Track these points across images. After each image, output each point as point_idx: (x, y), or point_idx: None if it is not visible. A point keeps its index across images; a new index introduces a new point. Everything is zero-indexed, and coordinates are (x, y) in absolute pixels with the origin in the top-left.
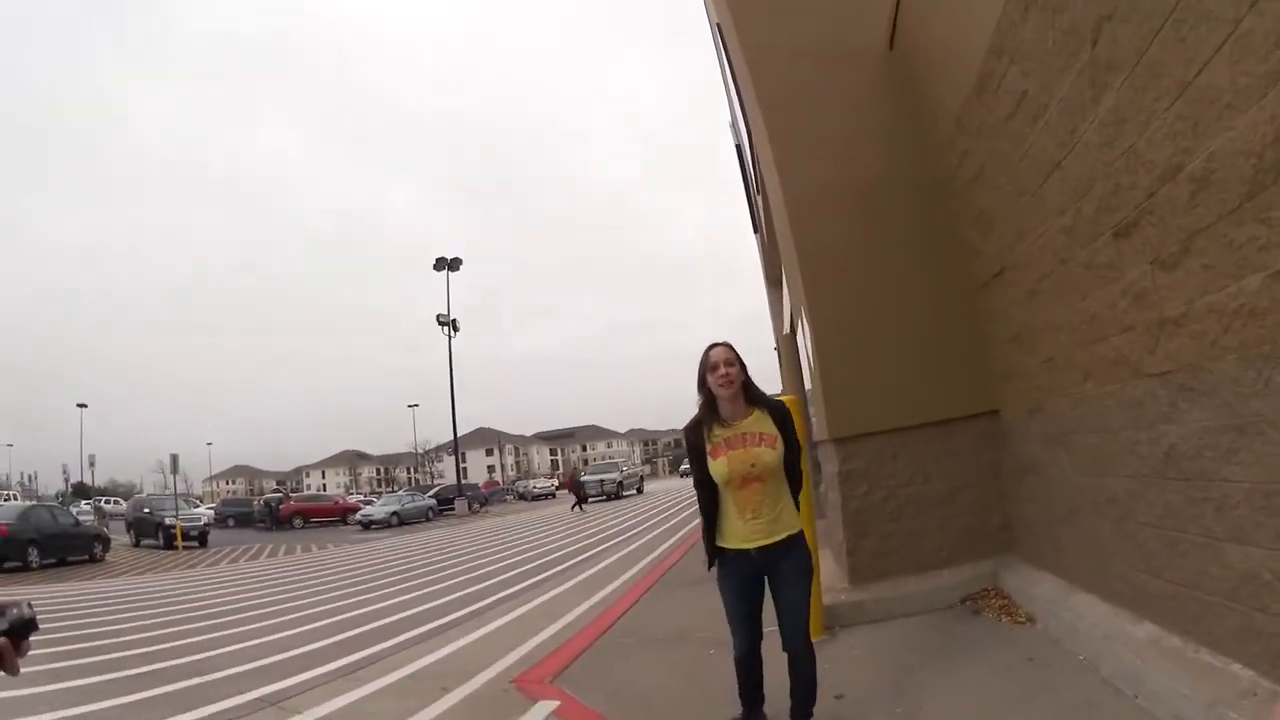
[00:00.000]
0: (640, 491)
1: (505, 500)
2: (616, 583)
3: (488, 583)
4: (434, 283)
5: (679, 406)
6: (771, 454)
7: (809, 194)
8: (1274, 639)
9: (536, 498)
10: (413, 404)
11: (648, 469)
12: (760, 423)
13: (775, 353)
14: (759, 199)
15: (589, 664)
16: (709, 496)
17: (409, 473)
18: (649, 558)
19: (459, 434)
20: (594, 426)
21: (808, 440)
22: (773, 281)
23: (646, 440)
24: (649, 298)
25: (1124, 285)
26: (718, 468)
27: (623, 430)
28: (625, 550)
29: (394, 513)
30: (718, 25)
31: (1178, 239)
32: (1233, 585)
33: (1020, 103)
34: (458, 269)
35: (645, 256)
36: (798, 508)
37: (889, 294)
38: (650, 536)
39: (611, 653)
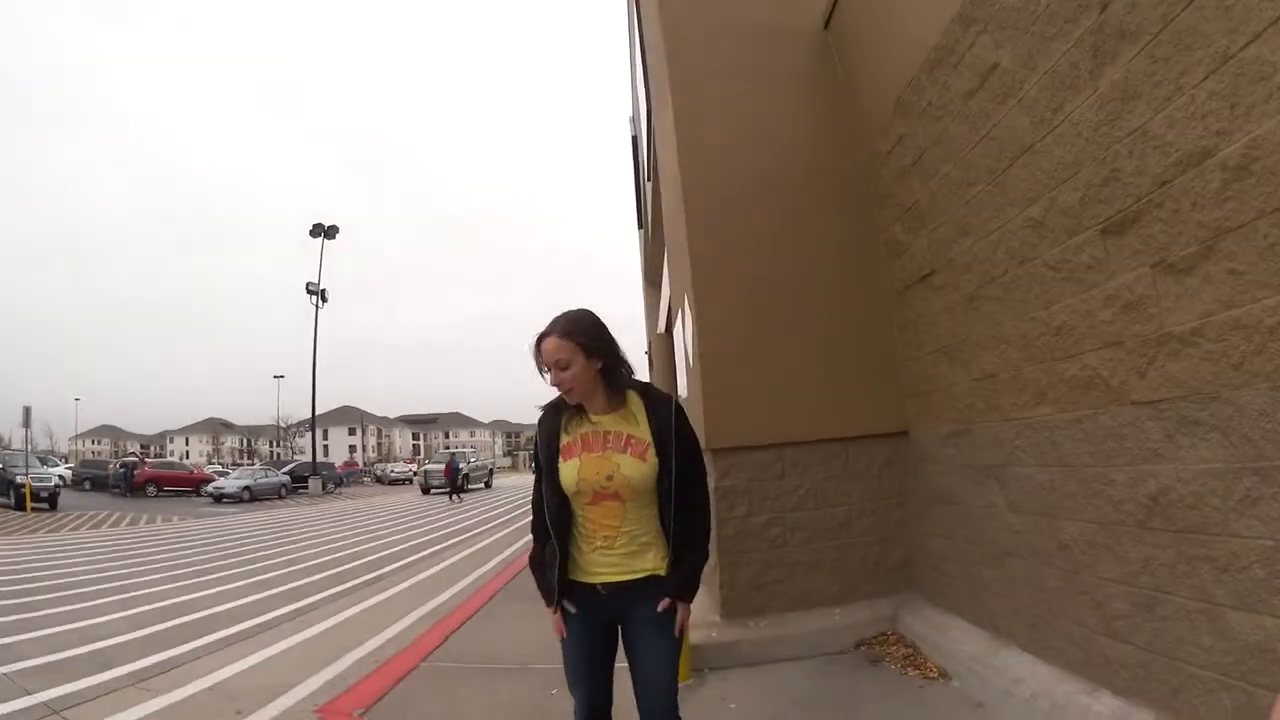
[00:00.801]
0: (488, 486)
1: (362, 482)
2: (456, 587)
3: (320, 575)
4: (317, 256)
5: (542, 399)
6: (636, 466)
7: (711, 178)
8: None
9: (393, 482)
10: (278, 375)
11: (508, 462)
12: (629, 421)
13: (646, 356)
14: (648, 190)
15: (406, 695)
16: (559, 505)
17: (271, 446)
18: (497, 559)
19: (321, 411)
20: (458, 414)
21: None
22: (651, 282)
23: (510, 433)
24: (527, 291)
25: (1110, 292)
26: (566, 472)
27: (486, 421)
28: (473, 548)
29: (246, 487)
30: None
31: (1196, 238)
32: (1234, 658)
33: (987, 77)
34: (334, 237)
35: (528, 250)
36: (682, 539)
37: (794, 293)
38: (504, 534)
39: (435, 681)
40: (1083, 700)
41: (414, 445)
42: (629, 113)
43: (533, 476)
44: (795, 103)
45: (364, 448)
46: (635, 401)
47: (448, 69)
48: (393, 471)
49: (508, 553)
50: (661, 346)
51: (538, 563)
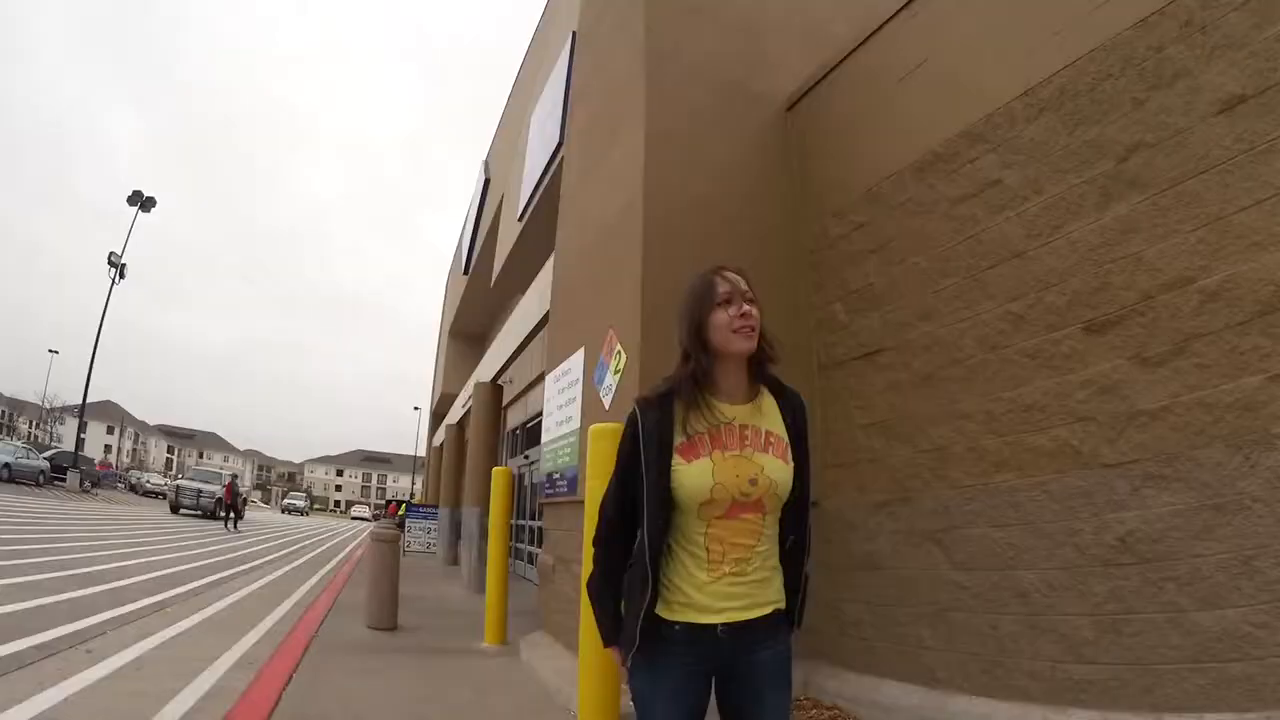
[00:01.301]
0: (215, 516)
1: (116, 486)
2: (263, 626)
3: (98, 588)
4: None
5: (297, 441)
6: (782, 470)
7: (669, 220)
8: (1253, 679)
9: (148, 493)
10: (53, 349)
11: (258, 494)
12: (768, 415)
13: (415, 411)
14: (508, 234)
15: None
16: (665, 521)
17: (30, 426)
18: (289, 602)
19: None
20: (216, 435)
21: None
22: (458, 334)
23: (263, 465)
24: (308, 327)
25: (1086, 377)
26: (692, 476)
27: (242, 448)
28: (263, 580)
29: (5, 464)
30: (573, 34)
31: (1171, 340)
32: (1202, 647)
33: (985, 189)
34: (150, 210)
35: (319, 281)
36: (799, 560)
37: None
38: (295, 566)
39: None
40: (1056, 719)
41: (168, 458)
42: (484, 155)
43: (295, 517)
44: (756, 167)
45: (119, 450)
46: (767, 396)
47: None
48: (148, 482)
49: (302, 591)
50: (489, 396)
51: (604, 595)
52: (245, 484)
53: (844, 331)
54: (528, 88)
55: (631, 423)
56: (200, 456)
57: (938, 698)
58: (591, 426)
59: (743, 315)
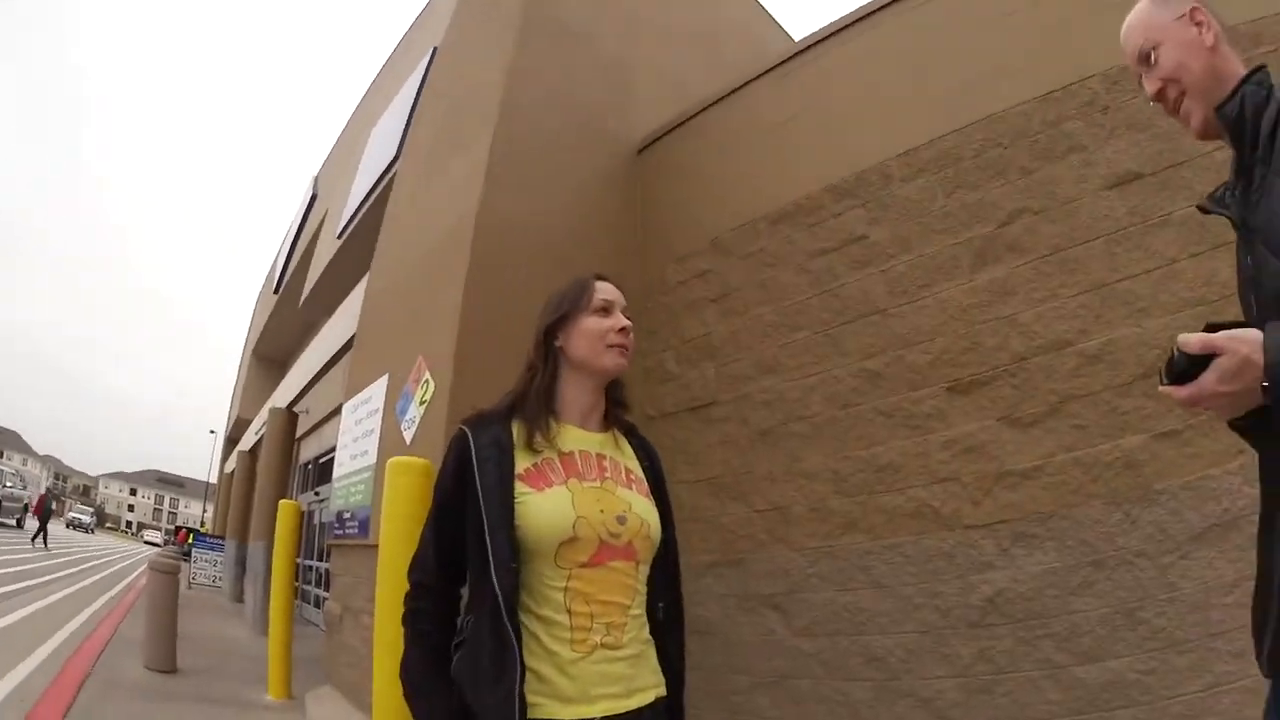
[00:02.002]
0: (20, 525)
1: None
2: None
3: None
4: None
5: (92, 453)
6: (652, 510)
7: (500, 244)
8: None
9: None
10: None
11: (53, 506)
12: (625, 453)
13: (211, 435)
14: (324, 251)
15: None
16: (511, 574)
17: None
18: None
19: None
20: (15, 434)
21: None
22: (261, 357)
23: (60, 474)
24: (109, 322)
25: (949, 437)
26: (547, 506)
27: (41, 451)
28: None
29: None
30: (434, 49)
31: (1045, 401)
32: (1087, 700)
33: (848, 244)
34: None
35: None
36: (676, 635)
37: None
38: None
39: None
40: None
41: None
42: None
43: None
44: (600, 204)
45: None
46: (620, 437)
47: None
48: None
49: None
50: (283, 422)
51: (432, 690)
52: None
53: (674, 383)
54: (374, 104)
55: (458, 444)
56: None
57: None
58: (391, 460)
59: (622, 330)
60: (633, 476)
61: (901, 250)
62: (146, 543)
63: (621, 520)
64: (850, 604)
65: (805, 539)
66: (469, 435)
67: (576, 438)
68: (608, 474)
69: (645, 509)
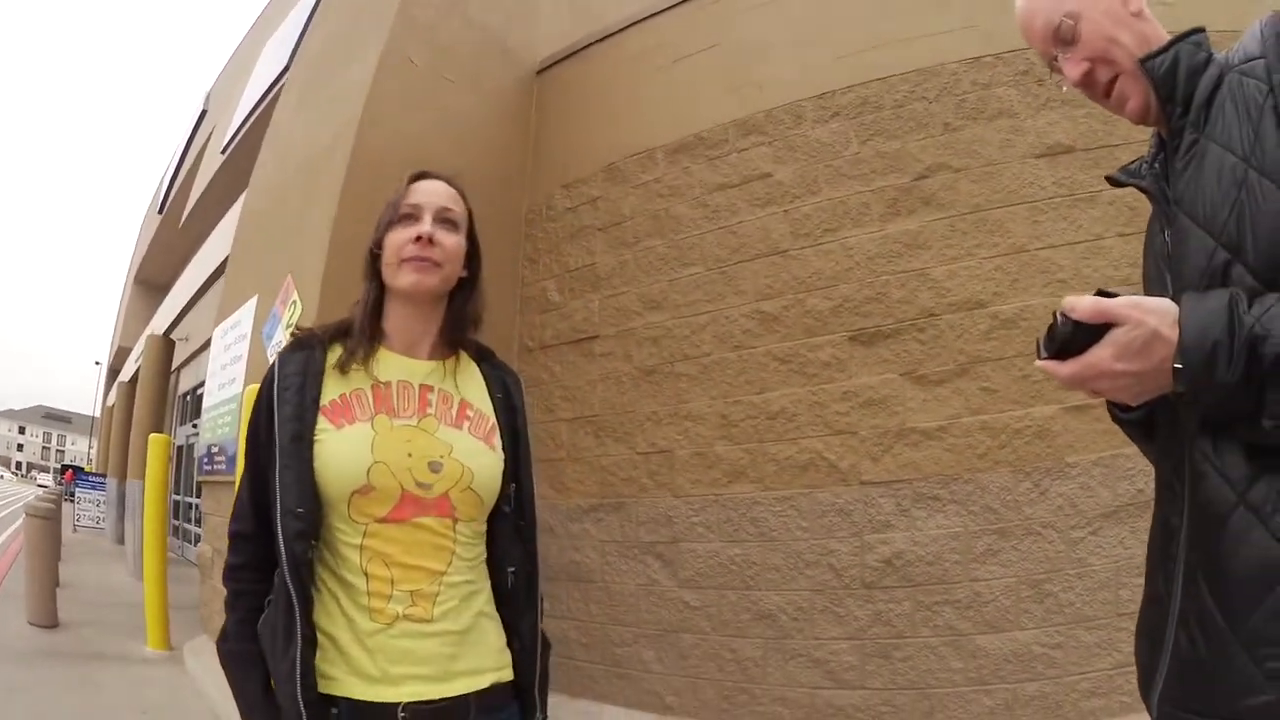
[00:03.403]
0: None
1: None
2: None
3: None
4: None
5: None
6: (487, 456)
7: (383, 157)
8: (1049, 697)
9: None
10: None
11: None
12: (466, 385)
13: (96, 366)
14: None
15: None
16: (304, 526)
17: None
18: None
19: None
20: None
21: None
22: (144, 282)
23: None
24: None
25: (849, 388)
26: (340, 447)
27: None
28: None
29: None
30: None
31: (954, 360)
32: (990, 669)
33: (751, 180)
34: None
35: None
36: (525, 600)
37: None
38: None
39: None
40: None
41: None
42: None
43: None
44: (491, 123)
45: None
46: (466, 361)
47: None
48: None
49: None
50: (159, 349)
51: (239, 656)
52: None
53: (555, 313)
54: (274, 13)
55: (268, 374)
56: None
57: None
58: (249, 387)
59: (418, 240)
60: (469, 412)
61: (808, 192)
62: (39, 485)
63: (435, 468)
64: (738, 557)
65: (690, 486)
66: (276, 363)
67: (399, 366)
68: (430, 410)
69: (474, 453)
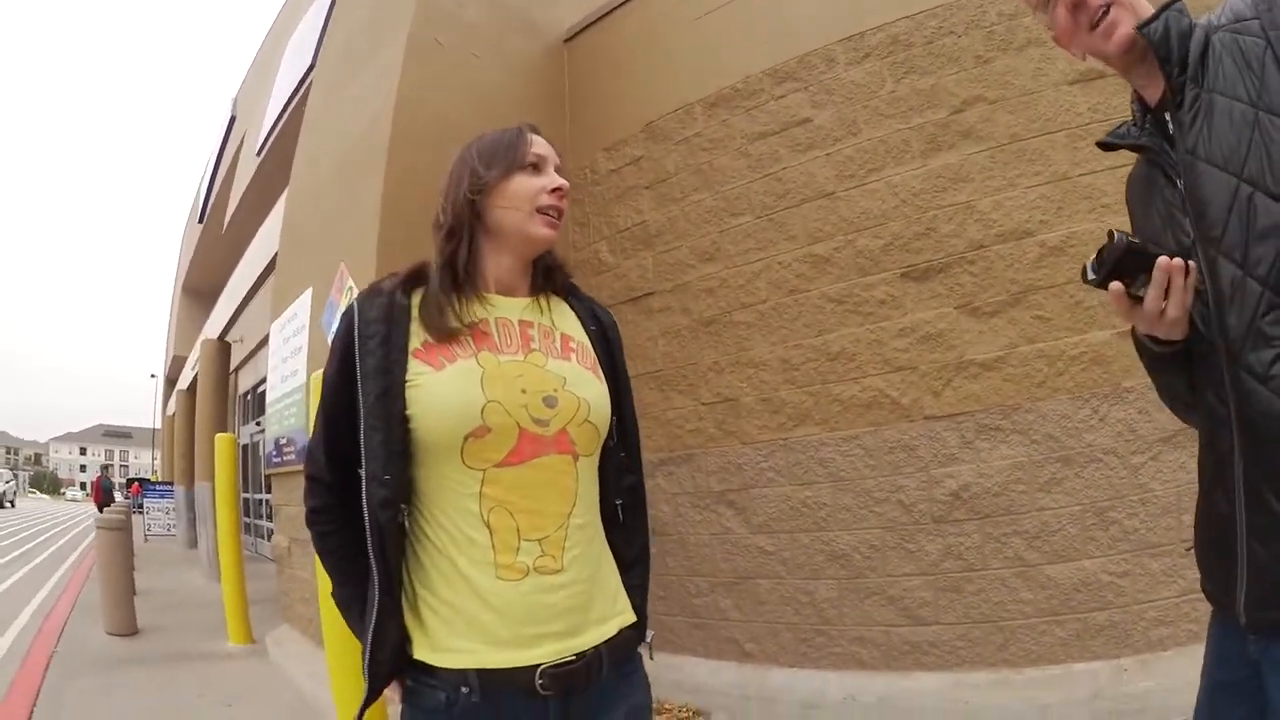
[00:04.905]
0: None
1: None
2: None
3: None
4: None
5: (38, 419)
6: (596, 385)
7: (407, 151)
8: (1119, 626)
9: None
10: None
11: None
12: (562, 318)
13: (151, 379)
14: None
15: None
16: (386, 480)
17: None
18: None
19: None
20: None
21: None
22: (190, 290)
23: (8, 446)
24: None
25: (905, 325)
26: (445, 388)
27: None
28: None
29: None
30: None
31: (1006, 290)
32: (1060, 600)
33: (791, 127)
34: None
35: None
36: (640, 539)
37: None
38: None
39: None
40: (903, 685)
41: None
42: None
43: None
44: (524, 97)
45: None
46: (558, 300)
47: None
48: None
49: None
50: (214, 355)
51: (343, 600)
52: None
53: (609, 274)
54: (290, 16)
55: (344, 320)
56: None
57: (753, 673)
58: (315, 374)
59: (555, 191)
60: (572, 344)
61: (848, 134)
62: (70, 500)
63: (550, 403)
64: (809, 499)
65: (757, 432)
66: (354, 310)
67: (492, 304)
68: (534, 344)
69: (586, 383)
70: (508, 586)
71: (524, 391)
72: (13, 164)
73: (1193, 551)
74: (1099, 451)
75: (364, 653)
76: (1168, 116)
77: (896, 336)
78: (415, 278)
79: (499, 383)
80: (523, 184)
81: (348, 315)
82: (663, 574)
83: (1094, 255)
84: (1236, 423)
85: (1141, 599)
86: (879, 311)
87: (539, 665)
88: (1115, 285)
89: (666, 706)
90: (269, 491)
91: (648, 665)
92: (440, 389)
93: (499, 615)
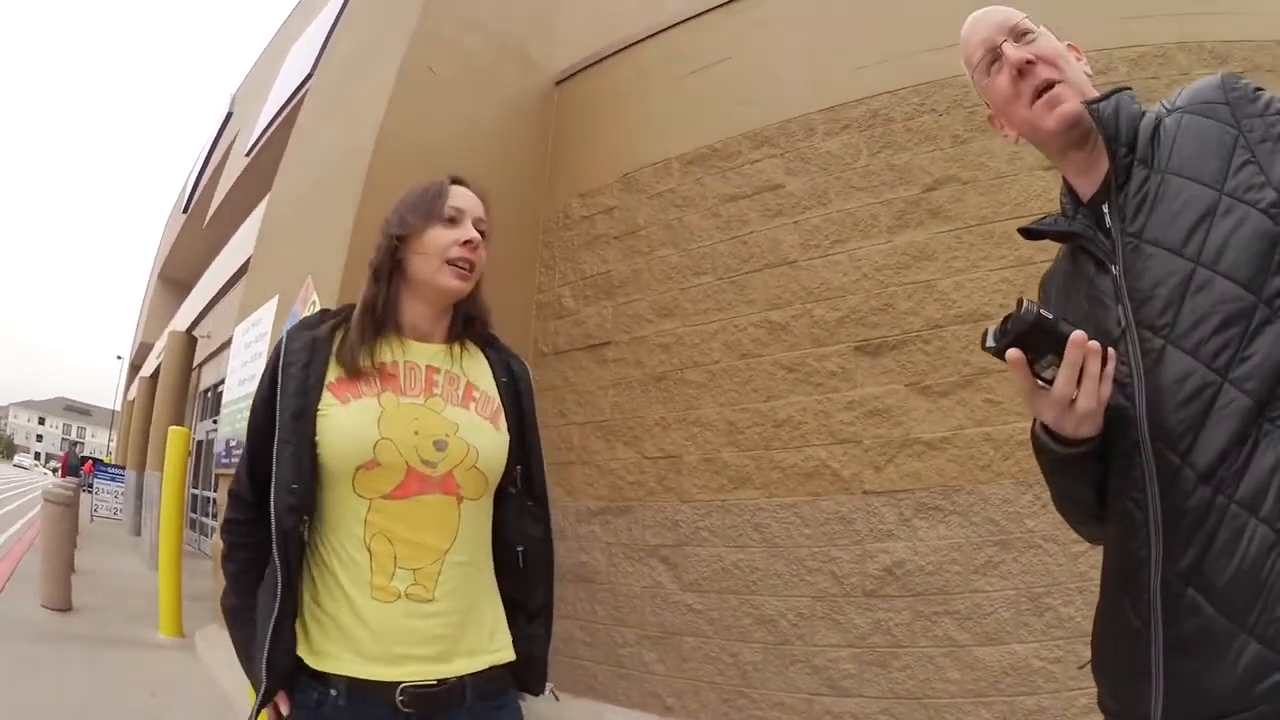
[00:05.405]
0: None
1: None
2: None
3: None
4: None
5: None
6: (491, 436)
7: (386, 177)
8: (1048, 711)
9: None
10: None
11: None
12: (472, 368)
13: (118, 361)
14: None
15: None
16: (297, 499)
17: None
18: None
19: None
20: None
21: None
22: (168, 279)
23: None
24: None
25: (853, 398)
26: (346, 421)
27: None
28: None
29: None
30: None
31: (959, 371)
32: (988, 682)
33: (762, 191)
34: None
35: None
36: (536, 578)
37: None
38: None
39: None
40: None
41: None
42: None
43: None
44: (509, 134)
45: None
46: (473, 348)
47: None
48: None
49: None
50: (179, 347)
51: (236, 609)
52: None
53: (569, 319)
54: (299, 18)
55: (274, 351)
56: None
57: None
58: None
59: (466, 244)
60: (475, 394)
61: (817, 203)
62: (15, 466)
63: (440, 446)
64: (742, 562)
65: (696, 491)
66: (283, 340)
67: (405, 348)
68: (436, 390)
69: (480, 432)
70: (380, 607)
71: (417, 433)
72: None
73: (1089, 668)
74: (1039, 538)
75: (261, 652)
76: (1104, 208)
77: (844, 409)
78: (344, 317)
79: (395, 422)
80: (437, 236)
81: (276, 348)
82: (591, 621)
83: (998, 322)
84: (1163, 525)
85: (1073, 685)
86: (829, 383)
87: (400, 683)
88: (1014, 353)
89: None
90: (217, 489)
91: (550, 707)
92: (340, 421)
93: (370, 632)
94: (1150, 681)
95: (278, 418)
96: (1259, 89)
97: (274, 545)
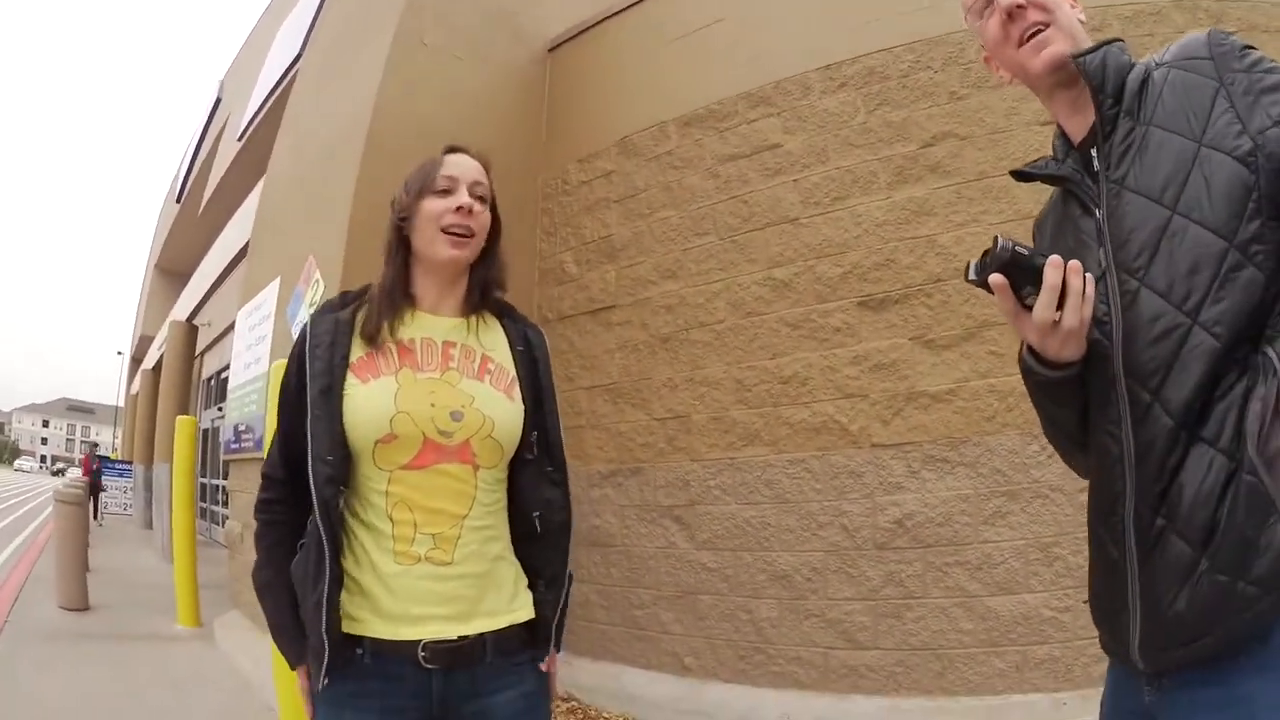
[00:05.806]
0: None
1: None
2: None
3: None
4: None
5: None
6: (506, 407)
7: (383, 151)
8: (1059, 660)
9: None
10: None
11: None
12: (488, 339)
13: (119, 356)
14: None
15: None
16: (334, 472)
17: None
18: None
19: None
20: None
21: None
22: (164, 270)
23: None
24: None
25: (858, 353)
26: (365, 400)
27: None
28: None
29: None
30: None
31: (961, 325)
32: (1000, 631)
33: (761, 151)
34: None
35: None
36: (553, 544)
37: None
38: None
39: None
40: (840, 707)
41: None
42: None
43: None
44: (504, 103)
45: None
46: (489, 319)
47: None
48: None
49: None
50: (181, 336)
51: (274, 589)
52: None
53: (572, 284)
54: (284, 3)
55: (300, 335)
56: None
57: (690, 687)
58: (275, 363)
59: (458, 210)
60: (491, 365)
61: (816, 161)
62: (16, 470)
63: (456, 417)
64: (754, 519)
65: (706, 449)
66: (308, 326)
67: (422, 324)
68: (453, 363)
69: (495, 403)
70: (402, 570)
71: (433, 405)
72: None
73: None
74: (1046, 488)
75: (319, 622)
76: (1093, 152)
77: (849, 364)
78: (363, 297)
79: (411, 397)
80: (430, 206)
81: (302, 331)
82: (606, 584)
83: (978, 257)
84: (1135, 458)
85: (1083, 635)
86: (834, 338)
87: (420, 640)
88: (997, 278)
89: (605, 715)
90: (227, 477)
91: (568, 671)
92: (360, 400)
93: (392, 595)
94: (1128, 610)
95: (308, 395)
96: (1248, 47)
97: (316, 516)
